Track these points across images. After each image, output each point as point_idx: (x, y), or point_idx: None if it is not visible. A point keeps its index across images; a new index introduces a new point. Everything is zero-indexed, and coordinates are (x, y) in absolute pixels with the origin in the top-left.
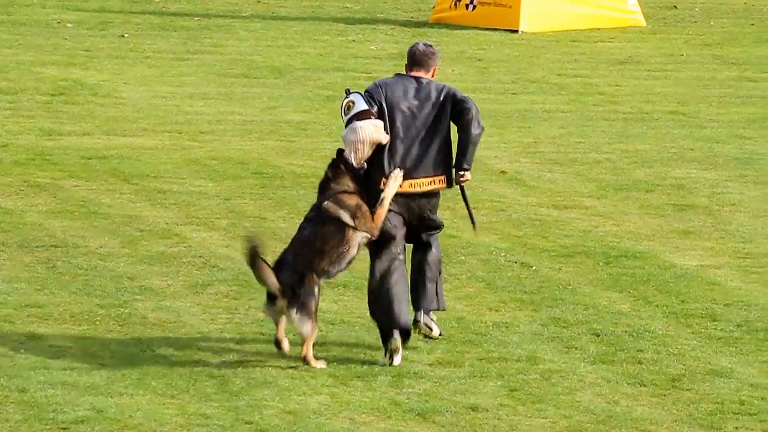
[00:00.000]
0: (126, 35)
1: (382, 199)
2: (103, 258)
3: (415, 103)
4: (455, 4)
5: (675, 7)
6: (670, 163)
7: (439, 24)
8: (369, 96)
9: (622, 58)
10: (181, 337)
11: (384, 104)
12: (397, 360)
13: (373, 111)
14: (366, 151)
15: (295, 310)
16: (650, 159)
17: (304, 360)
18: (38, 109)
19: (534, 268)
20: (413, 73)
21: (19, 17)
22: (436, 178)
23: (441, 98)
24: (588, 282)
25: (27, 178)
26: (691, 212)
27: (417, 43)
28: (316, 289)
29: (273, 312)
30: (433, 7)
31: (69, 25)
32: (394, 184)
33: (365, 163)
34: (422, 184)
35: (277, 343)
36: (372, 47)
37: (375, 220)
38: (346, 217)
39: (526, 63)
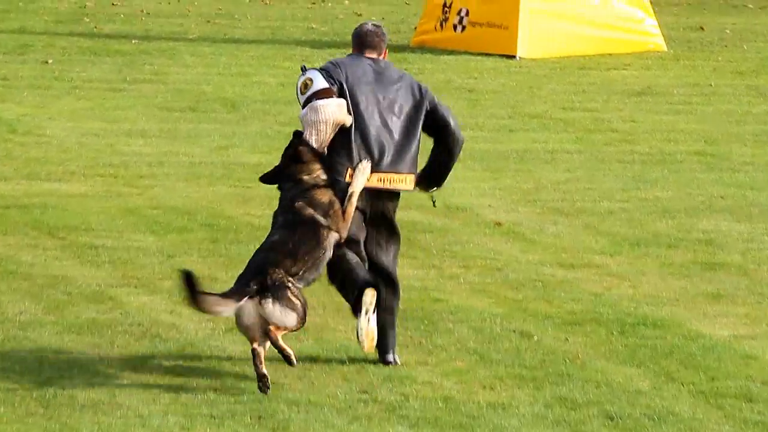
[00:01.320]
0: (50, 61)
1: (351, 195)
2: (23, 327)
3: (379, 86)
4: (441, 25)
5: (701, 28)
6: (697, 214)
7: (422, 48)
8: (327, 74)
9: (638, 89)
10: (116, 421)
11: (345, 84)
12: (374, 319)
13: (334, 90)
14: (328, 133)
15: (270, 301)
16: (673, 208)
17: (271, 337)
18: None
19: (535, 338)
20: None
21: None
22: (408, 177)
23: (420, 96)
24: (600, 355)
25: None
26: (722, 272)
27: (365, 23)
28: (286, 281)
29: (249, 327)
30: (415, 28)
31: None
32: (362, 177)
33: (326, 148)
34: (392, 180)
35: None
36: None
37: (345, 218)
38: (320, 218)
39: (526, 94)
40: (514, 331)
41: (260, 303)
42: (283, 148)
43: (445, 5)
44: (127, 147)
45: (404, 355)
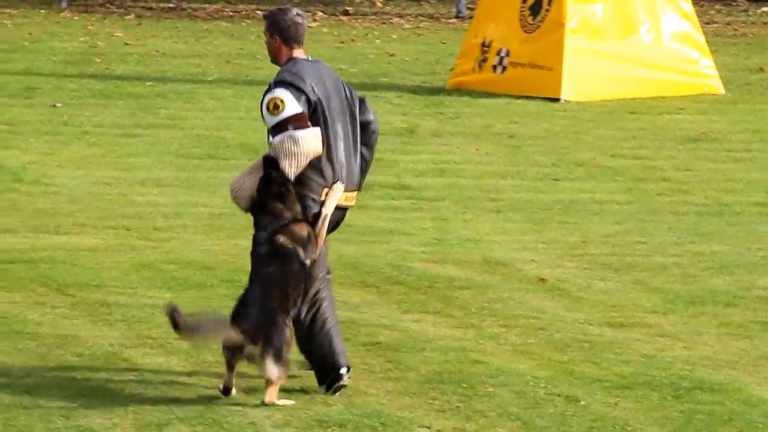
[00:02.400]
0: (59, 105)
1: (324, 217)
2: (30, 390)
3: (336, 94)
4: (479, 65)
5: (761, 69)
6: (757, 269)
7: (459, 90)
8: (297, 91)
9: (693, 135)
10: None
11: (319, 105)
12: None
13: (306, 114)
14: (303, 165)
15: (271, 359)
16: (731, 264)
17: (264, 403)
18: None
19: (583, 403)
20: (298, 53)
21: None
22: (357, 194)
23: (351, 95)
24: (652, 421)
25: None
26: None
27: (288, 10)
28: (287, 332)
29: (235, 358)
30: (451, 69)
31: None
32: (335, 198)
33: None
34: (351, 199)
35: (227, 391)
36: None
37: (318, 242)
38: (302, 253)
39: (571, 140)
40: (560, 396)
41: (263, 356)
42: (260, 176)
43: (484, 44)
44: (141, 197)
45: (441, 420)
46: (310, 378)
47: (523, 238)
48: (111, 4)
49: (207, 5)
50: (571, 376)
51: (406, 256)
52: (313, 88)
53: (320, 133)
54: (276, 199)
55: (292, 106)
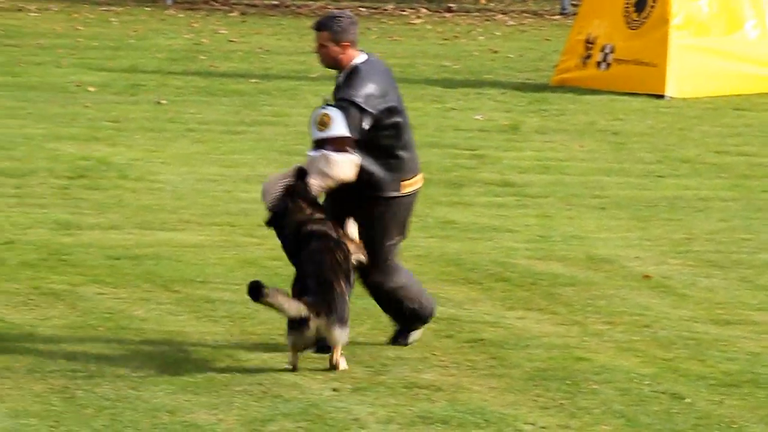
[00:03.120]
0: (164, 102)
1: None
2: (136, 386)
3: (395, 85)
4: (584, 62)
5: None
6: None
7: (563, 87)
8: (360, 113)
9: None
10: None
11: (395, 104)
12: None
13: (351, 140)
14: (330, 186)
15: (336, 327)
16: None
17: (334, 366)
18: (52, 196)
19: (688, 400)
20: (358, 54)
21: (27, 79)
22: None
23: None
24: (759, 419)
25: (38, 284)
26: None
27: (343, 12)
28: (346, 296)
29: (305, 339)
30: (555, 66)
31: (91, 89)
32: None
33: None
34: (421, 180)
35: (295, 368)
36: (476, 117)
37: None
38: (333, 234)
39: (676, 137)
40: (664, 393)
41: (328, 327)
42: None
43: (588, 41)
44: (245, 194)
45: (545, 417)
46: (414, 374)
47: (628, 235)
48: (215, 2)
49: (311, 2)
50: (675, 374)
51: (510, 253)
52: (387, 92)
53: (358, 160)
54: (294, 209)
55: (338, 128)
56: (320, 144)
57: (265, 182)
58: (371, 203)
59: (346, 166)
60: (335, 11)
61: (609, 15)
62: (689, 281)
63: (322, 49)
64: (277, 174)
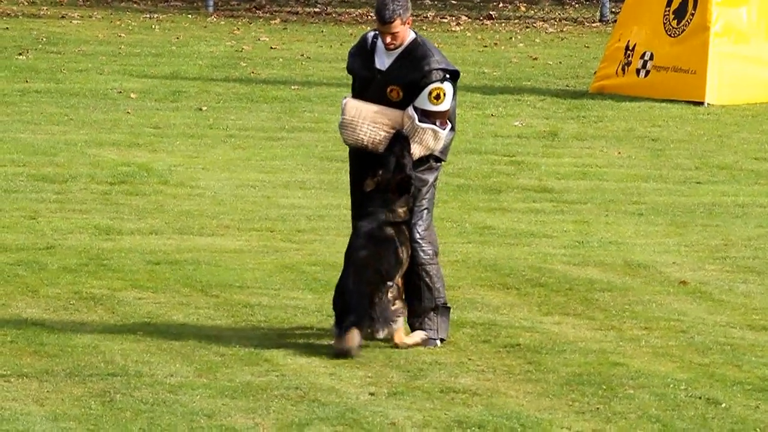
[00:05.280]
0: (204, 108)
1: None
2: (174, 390)
3: None
4: (623, 69)
5: None
6: None
7: (602, 94)
8: (455, 85)
9: None
10: None
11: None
12: None
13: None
14: (422, 155)
15: (384, 330)
16: None
17: (398, 345)
18: (93, 201)
19: (724, 405)
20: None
21: (69, 86)
22: None
23: None
24: None
25: (78, 289)
26: None
27: None
28: (387, 299)
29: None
30: (595, 73)
31: (133, 95)
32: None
33: None
34: None
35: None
36: (516, 123)
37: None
38: (400, 249)
39: (714, 144)
40: (701, 398)
41: (376, 334)
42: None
43: (627, 48)
44: (285, 199)
45: (580, 422)
46: (450, 379)
47: (665, 241)
48: (257, 9)
49: (352, 9)
50: (711, 379)
51: (547, 259)
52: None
53: (451, 134)
54: (396, 189)
55: (447, 102)
56: (428, 115)
57: (351, 107)
58: (430, 169)
59: (446, 139)
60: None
61: (648, 22)
62: (726, 287)
63: (397, 37)
64: (366, 106)
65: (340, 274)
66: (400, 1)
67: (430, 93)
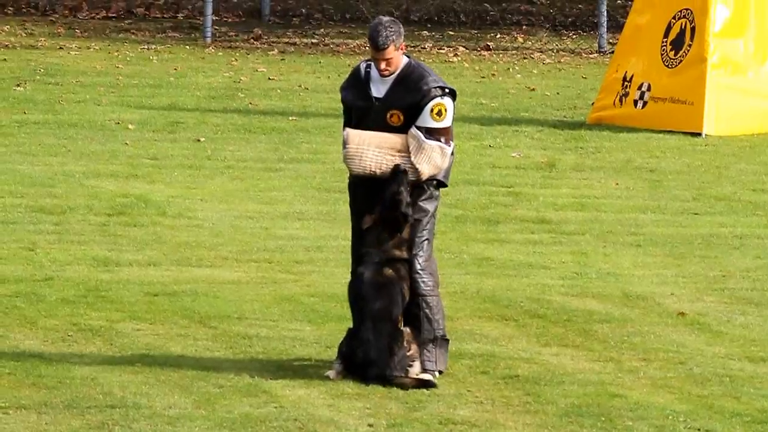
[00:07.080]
0: (202, 139)
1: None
2: (172, 422)
3: None
4: (620, 100)
5: None
6: None
7: (600, 125)
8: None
9: None
10: None
11: None
12: None
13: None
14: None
15: (404, 374)
16: None
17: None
18: (91, 232)
19: None
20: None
21: (67, 117)
22: None
23: None
24: None
25: (76, 321)
26: None
27: (378, 20)
28: (402, 343)
29: None
30: (592, 104)
31: (130, 126)
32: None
33: None
34: None
35: None
36: (513, 154)
37: None
38: (405, 288)
39: (712, 175)
40: (699, 430)
41: (398, 380)
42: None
43: (625, 79)
44: (283, 230)
45: None
46: (449, 410)
47: (663, 272)
48: (255, 40)
49: (350, 41)
50: (710, 411)
51: (545, 290)
52: None
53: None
54: (395, 223)
55: (449, 118)
56: (432, 132)
57: (353, 138)
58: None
59: (450, 157)
60: (374, 24)
61: (646, 53)
62: (724, 318)
63: (392, 63)
64: (369, 134)
65: (352, 322)
66: (393, 27)
67: (431, 110)
